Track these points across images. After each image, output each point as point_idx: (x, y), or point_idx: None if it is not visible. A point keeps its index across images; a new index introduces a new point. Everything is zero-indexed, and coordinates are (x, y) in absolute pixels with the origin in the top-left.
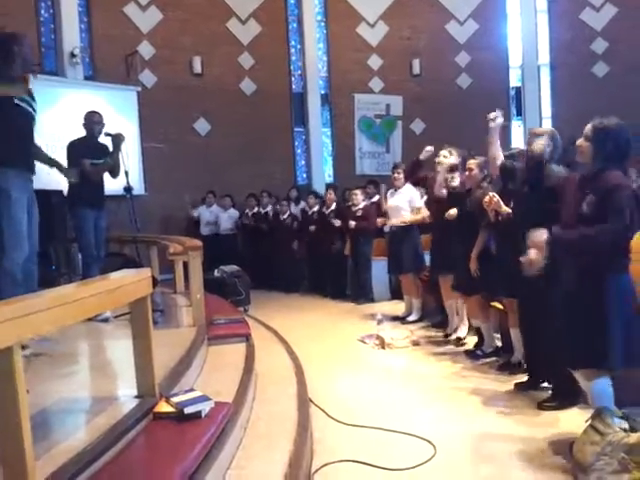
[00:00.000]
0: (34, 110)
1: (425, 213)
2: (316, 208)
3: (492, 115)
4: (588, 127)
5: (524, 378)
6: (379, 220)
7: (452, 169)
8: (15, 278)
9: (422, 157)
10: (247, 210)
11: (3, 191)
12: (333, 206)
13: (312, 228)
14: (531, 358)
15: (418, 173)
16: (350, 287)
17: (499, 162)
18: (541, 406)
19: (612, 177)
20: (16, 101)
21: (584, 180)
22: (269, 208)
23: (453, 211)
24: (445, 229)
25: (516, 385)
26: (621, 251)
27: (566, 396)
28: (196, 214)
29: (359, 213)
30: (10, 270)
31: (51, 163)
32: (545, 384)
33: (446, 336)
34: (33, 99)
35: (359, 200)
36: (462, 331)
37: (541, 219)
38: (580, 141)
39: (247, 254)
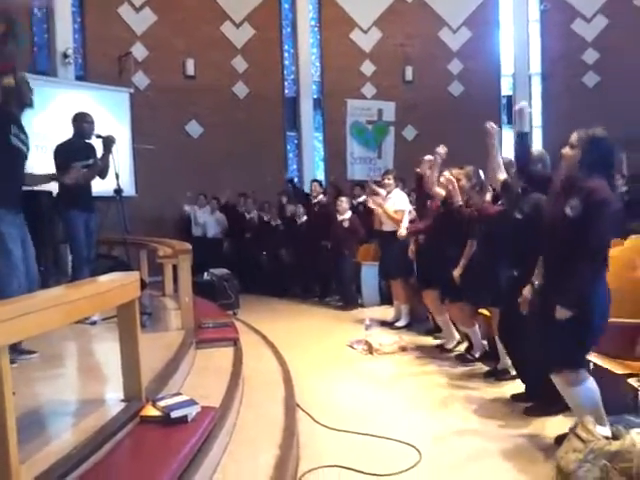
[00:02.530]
0: (27, 146)
1: (400, 218)
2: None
3: (489, 126)
4: (574, 136)
5: (512, 385)
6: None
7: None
8: None
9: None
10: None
11: None
12: (320, 198)
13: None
14: (520, 369)
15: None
16: (334, 292)
17: (502, 177)
18: (527, 412)
19: (599, 188)
20: (12, 140)
21: (568, 183)
22: (254, 214)
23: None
24: (434, 237)
25: (513, 397)
26: (602, 264)
27: (552, 403)
28: (188, 210)
29: (346, 224)
30: None
31: (48, 180)
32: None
33: (441, 348)
34: (26, 135)
35: (345, 208)
36: (450, 343)
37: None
38: (565, 150)
39: (233, 257)
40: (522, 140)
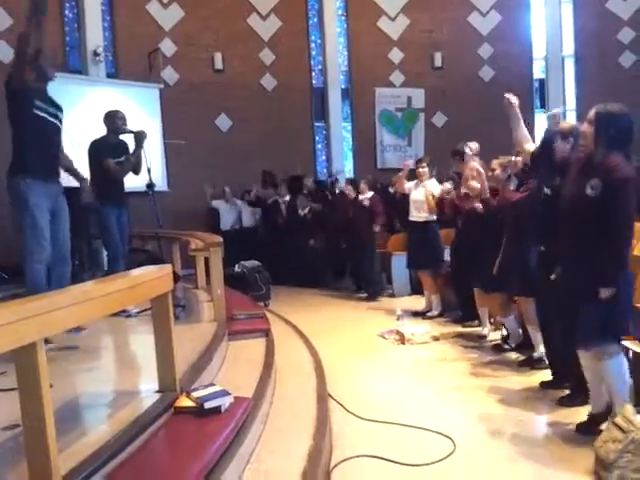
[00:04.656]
0: (58, 118)
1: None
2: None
3: (508, 96)
4: (591, 112)
5: (546, 374)
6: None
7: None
8: (38, 277)
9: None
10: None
11: (20, 198)
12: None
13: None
14: (552, 356)
15: None
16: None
17: (529, 147)
18: (560, 403)
19: (618, 166)
20: (35, 111)
21: (587, 163)
22: (287, 198)
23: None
24: (473, 231)
25: (541, 384)
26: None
27: (585, 393)
28: (215, 204)
29: (366, 203)
30: (35, 269)
31: (70, 172)
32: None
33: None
34: (58, 108)
35: (364, 189)
36: (485, 331)
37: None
38: (584, 126)
39: (267, 248)
40: (549, 140)
